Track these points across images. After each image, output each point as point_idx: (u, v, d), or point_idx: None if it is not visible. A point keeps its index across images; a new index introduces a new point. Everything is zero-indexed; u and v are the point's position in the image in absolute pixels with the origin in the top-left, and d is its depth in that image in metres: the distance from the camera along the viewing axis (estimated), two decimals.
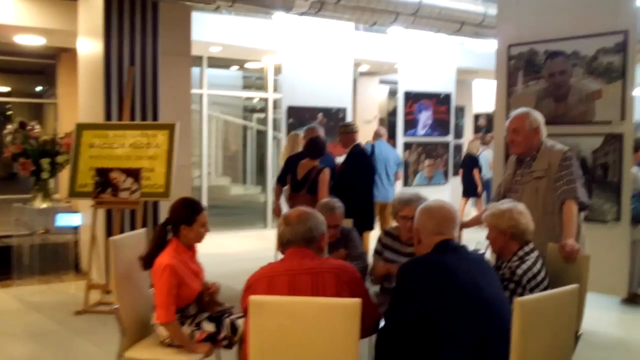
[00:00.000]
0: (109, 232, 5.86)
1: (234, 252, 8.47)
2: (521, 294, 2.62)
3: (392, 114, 16.37)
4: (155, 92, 6.04)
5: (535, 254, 2.84)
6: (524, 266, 2.72)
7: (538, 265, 2.79)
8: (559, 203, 3.38)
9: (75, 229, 6.96)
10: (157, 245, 3.19)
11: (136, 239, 3.44)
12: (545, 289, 2.75)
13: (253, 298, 2.00)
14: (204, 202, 9.94)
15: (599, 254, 4.75)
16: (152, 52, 6.07)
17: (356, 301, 1.98)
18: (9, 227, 6.93)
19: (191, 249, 3.32)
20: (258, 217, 10.74)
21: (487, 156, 10.83)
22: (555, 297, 2.06)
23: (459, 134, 12.59)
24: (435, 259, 2.35)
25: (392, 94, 16.30)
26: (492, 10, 7.36)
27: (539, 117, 3.64)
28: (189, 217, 3.21)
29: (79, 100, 7.19)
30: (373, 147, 7.55)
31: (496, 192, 3.91)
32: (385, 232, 3.67)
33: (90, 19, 6.54)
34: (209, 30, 8.79)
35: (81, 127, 5.76)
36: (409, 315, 2.22)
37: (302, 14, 6.80)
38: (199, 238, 3.27)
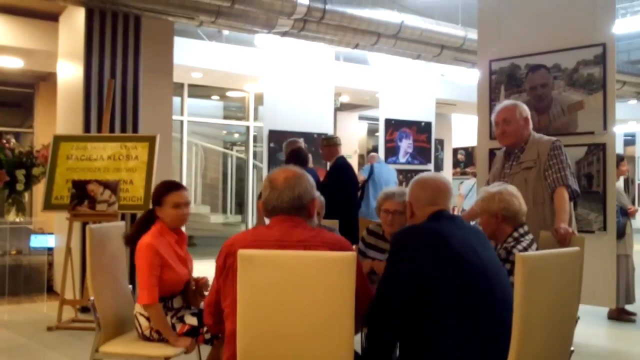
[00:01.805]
0: (85, 247, 5.67)
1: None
2: None
3: (372, 151, 16.50)
4: (136, 106, 5.95)
5: (530, 236, 2.78)
6: (520, 246, 2.66)
7: (534, 248, 2.72)
8: (550, 191, 3.35)
9: (50, 250, 6.75)
10: (141, 226, 3.08)
11: (114, 230, 3.30)
12: None
13: (242, 252, 1.89)
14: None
15: (587, 265, 4.70)
16: (134, 67, 6.01)
17: (351, 254, 1.88)
18: None
19: (178, 234, 3.21)
20: None
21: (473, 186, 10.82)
22: (557, 256, 1.98)
23: (438, 166, 12.66)
24: (430, 225, 2.27)
25: (372, 131, 16.45)
26: (472, 35, 7.51)
27: (526, 107, 3.65)
28: (158, 198, 3.13)
29: (57, 119, 7.08)
30: (372, 167, 7.53)
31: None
32: (369, 231, 3.59)
33: (71, 39, 6.50)
34: (190, 55, 8.81)
35: (59, 139, 5.64)
36: (405, 282, 2.12)
37: (284, 33, 6.84)
38: (174, 219, 3.12)
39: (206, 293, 3.24)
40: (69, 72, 6.66)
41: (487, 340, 2.04)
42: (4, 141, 6.01)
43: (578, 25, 5.07)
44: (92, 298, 2.98)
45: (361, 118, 15.37)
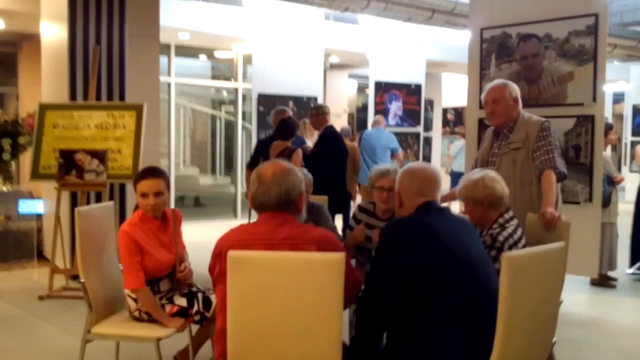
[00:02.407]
0: (74, 216, 5.67)
1: (203, 241, 8.29)
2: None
3: (362, 109, 16.40)
4: (122, 73, 5.85)
5: (515, 221, 2.81)
6: (505, 233, 2.69)
7: (519, 233, 2.76)
8: (538, 173, 3.37)
9: (39, 215, 6.74)
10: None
11: (103, 211, 3.31)
12: None
13: (231, 253, 1.90)
14: (172, 192, 9.75)
15: (571, 235, 4.79)
16: (119, 32, 5.88)
17: (340, 255, 1.90)
18: None
19: (163, 219, 3.21)
20: (227, 207, 10.59)
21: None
22: (543, 254, 2.01)
23: (428, 126, 12.65)
24: (419, 218, 2.28)
25: (361, 89, 16.32)
26: None
27: (516, 87, 3.63)
28: (134, 185, 3.14)
29: (42, 84, 6.95)
30: (361, 134, 7.57)
31: (472, 166, 3.88)
32: (360, 208, 3.61)
33: (54, 1, 6.33)
34: (177, 16, 8.63)
35: (44, 108, 5.56)
36: (393, 275, 2.15)
37: None
38: (143, 208, 3.11)
39: (198, 285, 3.29)
40: (52, 34, 6.50)
41: (472, 333, 2.08)
42: None
43: None
44: (82, 280, 3.01)
45: (351, 76, 15.24)
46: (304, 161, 5.37)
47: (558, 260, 2.06)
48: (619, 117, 20.22)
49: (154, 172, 3.16)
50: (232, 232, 2.30)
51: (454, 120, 14.63)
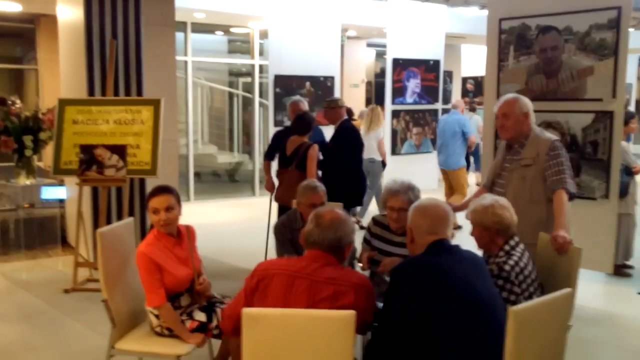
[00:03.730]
0: (95, 208, 5.81)
1: (222, 222, 8.46)
2: (510, 290, 2.62)
3: (379, 76, 16.25)
4: (139, 66, 5.88)
5: (521, 247, 2.83)
6: (511, 262, 2.71)
7: (525, 259, 2.78)
8: (549, 192, 3.37)
9: (61, 202, 6.89)
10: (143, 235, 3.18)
11: (124, 229, 3.40)
12: (533, 281, 2.76)
13: (247, 311, 1.98)
14: (191, 170, 9.88)
15: (587, 230, 4.81)
16: (135, 23, 5.88)
17: (350, 313, 1.96)
18: None
19: (180, 236, 3.30)
20: (246, 185, 10.70)
21: (477, 121, 10.76)
22: (549, 303, 2.05)
23: (447, 99, 12.52)
24: (429, 259, 2.33)
25: (379, 55, 16.15)
26: None
27: (528, 102, 3.60)
28: (146, 203, 3.23)
29: (61, 71, 7.02)
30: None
31: (487, 177, 3.90)
32: (375, 221, 3.65)
33: None
34: None
35: (64, 103, 5.63)
36: (402, 317, 2.21)
37: None
38: (156, 224, 3.21)
39: (216, 295, 3.39)
40: (69, 17, 6.50)
41: None
42: (10, 104, 5.99)
43: None
44: (105, 298, 3.12)
45: (369, 45, 15.07)
46: (325, 152, 5.41)
47: (564, 306, 2.10)
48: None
49: (164, 189, 3.25)
50: (278, 261, 2.49)
51: (474, 90, 14.46)
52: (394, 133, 10.04)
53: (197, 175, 10.19)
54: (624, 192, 5.62)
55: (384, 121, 8.35)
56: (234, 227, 8.20)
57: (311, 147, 5.17)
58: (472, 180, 11.97)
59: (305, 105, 5.80)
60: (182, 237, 3.34)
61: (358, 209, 7.69)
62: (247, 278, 2.48)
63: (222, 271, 5.97)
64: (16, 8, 8.28)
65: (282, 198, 5.25)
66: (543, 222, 3.38)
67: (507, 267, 2.67)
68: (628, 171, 5.69)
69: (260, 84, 10.44)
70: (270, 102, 9.08)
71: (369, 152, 7.95)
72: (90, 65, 5.72)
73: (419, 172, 9.39)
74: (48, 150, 6.62)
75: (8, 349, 4.16)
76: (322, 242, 2.41)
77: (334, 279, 2.32)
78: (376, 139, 8.01)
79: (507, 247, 2.80)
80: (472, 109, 11.40)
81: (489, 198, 2.92)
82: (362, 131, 8.25)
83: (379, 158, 8.02)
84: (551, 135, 3.56)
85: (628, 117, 5.68)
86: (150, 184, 5.45)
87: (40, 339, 4.32)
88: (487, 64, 5.53)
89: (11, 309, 4.93)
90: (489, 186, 3.75)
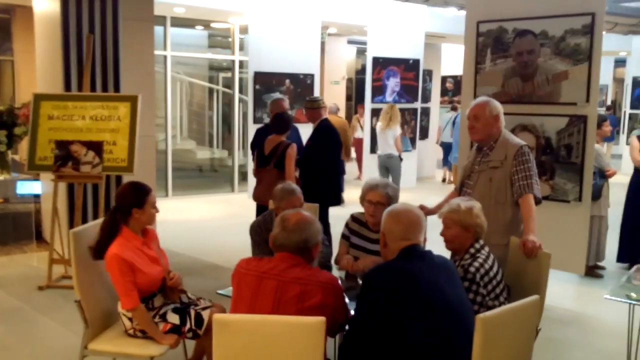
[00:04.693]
0: (71, 205, 5.75)
1: (200, 218, 8.44)
2: (476, 291, 2.68)
3: (360, 72, 16.28)
4: (116, 61, 5.82)
5: (486, 250, 2.88)
6: (476, 263, 2.76)
7: (490, 261, 2.83)
8: (516, 196, 3.43)
9: (37, 197, 6.82)
10: (107, 235, 3.14)
11: (98, 228, 3.37)
12: (499, 283, 2.81)
13: (217, 317, 2.00)
14: (169, 165, 9.82)
15: (560, 232, 4.90)
16: (113, 17, 5.81)
17: (320, 319, 1.99)
18: None
19: (146, 235, 3.28)
20: (225, 180, 10.67)
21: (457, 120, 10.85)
22: (517, 310, 2.10)
23: (426, 98, 12.61)
24: (400, 265, 2.36)
25: (360, 53, 16.18)
26: None
27: (498, 105, 3.65)
28: (139, 199, 3.19)
29: (37, 64, 6.92)
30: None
31: (458, 179, 3.96)
32: (353, 218, 3.68)
33: None
34: None
35: (39, 98, 5.56)
36: (372, 322, 2.24)
37: None
38: (151, 219, 3.24)
39: (190, 295, 3.39)
40: (45, 8, 6.41)
41: None
42: None
43: None
44: (78, 299, 3.10)
45: (350, 42, 15.09)
46: (300, 154, 5.42)
47: (531, 313, 2.14)
48: (619, 81, 20.11)
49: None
50: (250, 260, 2.56)
51: (453, 89, 14.56)
52: (373, 132, 10.08)
53: (175, 170, 10.14)
54: (597, 194, 5.72)
55: (400, 119, 8.72)
56: (211, 223, 8.18)
57: (290, 146, 5.18)
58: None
59: (286, 103, 5.81)
60: (148, 235, 3.33)
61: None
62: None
63: (198, 268, 5.96)
64: None
65: (260, 197, 5.26)
66: (507, 224, 3.44)
67: (472, 269, 2.72)
68: (602, 174, 5.79)
69: (240, 80, 10.41)
70: (249, 99, 9.07)
71: (387, 148, 8.61)
72: (67, 59, 5.65)
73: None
74: (24, 144, 6.53)
75: None
76: (289, 245, 2.48)
77: (301, 278, 2.38)
78: (393, 135, 8.50)
79: (472, 250, 2.85)
80: (454, 108, 11.51)
81: (466, 201, 2.96)
82: (378, 128, 8.53)
83: (396, 153, 8.56)
84: (520, 140, 3.61)
85: (600, 120, 5.77)
86: (127, 181, 5.43)
87: (13, 337, 4.28)
88: (465, 65, 5.59)
89: None
90: (459, 188, 3.80)
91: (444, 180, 11.92)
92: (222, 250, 6.59)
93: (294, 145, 5.20)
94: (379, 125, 8.76)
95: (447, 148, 11.28)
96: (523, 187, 3.39)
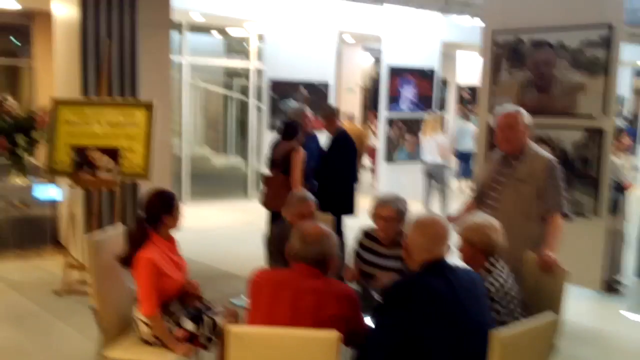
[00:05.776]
0: (88, 210, 5.80)
1: (214, 225, 8.47)
2: (490, 307, 2.66)
3: (376, 80, 16.27)
4: (133, 67, 5.87)
5: (501, 264, 2.86)
6: (490, 278, 2.75)
7: (504, 276, 2.81)
8: (544, 212, 3.39)
9: (54, 202, 6.88)
10: (137, 243, 3.18)
11: (114, 237, 3.41)
12: (514, 298, 2.79)
13: (233, 329, 2.01)
14: (184, 172, 9.88)
15: (576, 247, 4.84)
16: (130, 23, 5.86)
17: (334, 334, 1.99)
18: None
19: (170, 240, 3.33)
20: (239, 187, 10.70)
21: (470, 129, 10.75)
22: (533, 326, 2.08)
23: (441, 106, 12.57)
24: (423, 281, 2.34)
25: (376, 61, 16.17)
26: None
27: (528, 115, 3.62)
28: (168, 206, 3.28)
29: (55, 69, 7.00)
30: None
31: (476, 189, 3.89)
32: (364, 234, 3.67)
33: None
34: None
35: (57, 103, 5.62)
36: (392, 339, 2.24)
37: None
38: (178, 225, 3.34)
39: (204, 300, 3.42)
40: (64, 15, 6.48)
41: None
42: (1, 100, 5.97)
43: (586, 2, 4.93)
44: (94, 306, 3.13)
45: (366, 49, 15.10)
46: (317, 162, 5.45)
47: (548, 330, 2.13)
48: (638, 91, 19.91)
49: None
50: (266, 270, 2.65)
51: (470, 98, 14.52)
52: (388, 140, 10.07)
53: (190, 177, 10.18)
54: (615, 208, 5.66)
55: (444, 127, 8.84)
56: (225, 230, 8.21)
57: (295, 151, 5.21)
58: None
59: (308, 112, 5.83)
60: (173, 241, 3.39)
61: None
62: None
63: (212, 276, 5.98)
64: (14, 6, 8.24)
65: (268, 203, 5.32)
66: (535, 239, 3.39)
67: (486, 284, 2.71)
68: (619, 187, 5.74)
69: (257, 87, 10.45)
70: (265, 106, 9.11)
71: (430, 155, 8.46)
72: (85, 65, 5.71)
73: (411, 181, 9.44)
74: (41, 149, 6.60)
75: None
76: (306, 257, 2.51)
77: (317, 289, 2.42)
78: (437, 143, 8.41)
79: (487, 265, 2.83)
80: (466, 117, 11.46)
81: (481, 216, 2.95)
82: (422, 136, 8.47)
83: (440, 161, 8.48)
84: (548, 154, 3.57)
85: (618, 133, 5.73)
86: (143, 187, 5.48)
87: (30, 342, 4.33)
88: (481, 76, 5.57)
89: (0, 311, 4.93)
90: (479, 199, 3.75)
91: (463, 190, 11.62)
92: (236, 258, 6.61)
93: (300, 150, 5.24)
94: (423, 133, 8.73)
95: (465, 157, 11.14)
96: (553, 205, 3.36)
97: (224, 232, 8.14)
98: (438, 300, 2.25)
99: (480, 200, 3.71)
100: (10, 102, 6.14)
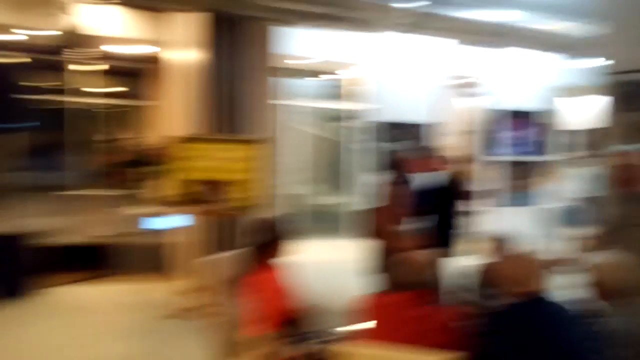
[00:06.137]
0: (202, 237, 6.07)
1: (314, 260, 8.51)
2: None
3: (484, 126, 15.96)
4: (245, 107, 6.26)
5: (634, 308, 2.71)
6: (615, 323, 2.62)
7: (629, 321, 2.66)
8: None
9: (166, 231, 7.22)
10: (247, 267, 3.34)
11: (226, 261, 3.59)
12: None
13: (342, 349, 2.08)
14: (284, 211, 10.07)
15: None
16: (243, 68, 6.28)
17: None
18: (99, 226, 7.29)
19: (278, 268, 3.46)
20: (336, 226, 10.75)
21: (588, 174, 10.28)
22: None
23: (550, 151, 12.12)
24: (520, 312, 2.39)
25: (485, 106, 15.89)
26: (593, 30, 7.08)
27: None
28: (281, 232, 3.52)
29: (172, 108, 7.48)
30: None
31: (602, 231, 3.77)
32: (474, 271, 3.64)
33: (188, 31, 6.82)
34: (283, 42, 8.84)
35: (175, 139, 6.01)
36: None
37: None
38: (289, 252, 3.52)
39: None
40: (183, 60, 6.99)
41: None
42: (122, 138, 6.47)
43: None
44: (209, 325, 3.25)
45: (474, 91, 14.88)
46: (421, 199, 5.48)
47: None
48: None
49: None
50: (379, 296, 2.79)
51: (580, 142, 13.90)
52: (497, 183, 9.85)
53: (295, 215, 10.34)
54: None
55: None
56: (327, 266, 8.25)
57: (397, 186, 5.27)
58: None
59: (414, 154, 5.92)
60: (280, 268, 3.54)
61: None
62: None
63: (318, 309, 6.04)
64: (144, 50, 8.86)
65: (374, 235, 5.38)
66: None
67: (604, 328, 2.59)
68: None
69: (357, 128, 10.55)
70: (369, 147, 9.20)
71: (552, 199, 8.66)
72: (202, 103, 6.11)
73: (518, 224, 9.12)
74: (157, 182, 7.03)
75: None
76: (410, 283, 2.61)
77: (423, 317, 2.49)
78: (558, 188, 8.68)
79: (613, 306, 2.70)
80: (585, 162, 10.97)
81: (612, 256, 2.87)
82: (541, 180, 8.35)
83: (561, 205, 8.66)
84: None
85: None
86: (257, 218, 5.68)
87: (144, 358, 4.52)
88: (601, 117, 5.43)
89: (112, 329, 5.21)
90: (608, 239, 3.62)
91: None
92: (333, 293, 6.63)
93: (403, 188, 5.28)
94: (543, 179, 8.61)
95: (585, 202, 10.61)
96: None
97: (326, 267, 8.19)
98: (534, 330, 2.30)
99: (610, 240, 3.59)
100: (131, 139, 6.67)
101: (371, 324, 2.53)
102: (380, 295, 2.71)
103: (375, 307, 2.59)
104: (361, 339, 2.52)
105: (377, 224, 5.39)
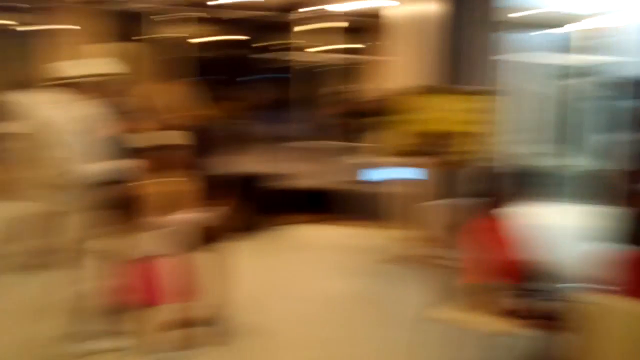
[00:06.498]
0: (429, 187, 6.08)
1: (548, 225, 8.06)
2: None
3: None
4: (471, 62, 6.12)
5: None
6: None
7: None
8: None
9: (388, 181, 7.34)
10: (468, 215, 3.30)
11: (448, 208, 3.59)
12: None
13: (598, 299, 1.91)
14: (508, 168, 9.62)
15: None
16: (467, 19, 6.13)
17: None
18: (326, 174, 7.66)
19: (504, 219, 3.36)
20: (562, 189, 10.02)
21: None
22: None
23: None
24: None
25: None
26: None
27: None
28: (503, 187, 3.47)
29: (395, 62, 7.52)
30: None
31: None
32: None
33: None
34: None
35: (404, 91, 6.05)
36: None
37: None
38: (509, 206, 3.39)
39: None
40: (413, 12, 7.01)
41: None
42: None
43: None
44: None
45: None
46: None
47: None
48: None
49: None
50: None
51: None
52: None
53: (520, 173, 9.87)
54: None
55: None
56: (561, 232, 7.78)
57: None
58: None
59: None
60: (506, 219, 3.45)
61: None
62: None
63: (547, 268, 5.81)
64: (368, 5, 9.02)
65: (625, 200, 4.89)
66: None
67: None
68: None
69: (591, 85, 9.62)
70: (606, 105, 8.34)
71: None
72: (433, 55, 6.06)
73: None
74: (381, 133, 7.18)
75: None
76: None
77: None
78: None
79: None
80: None
81: None
82: None
83: None
84: None
85: None
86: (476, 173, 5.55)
87: (377, 294, 4.84)
88: None
89: (337, 268, 5.54)
90: None
91: None
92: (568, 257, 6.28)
93: None
94: None
95: None
96: None
97: (559, 232, 7.73)
98: None
99: None
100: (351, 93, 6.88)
101: (620, 284, 2.29)
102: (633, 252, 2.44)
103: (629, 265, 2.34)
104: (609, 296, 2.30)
105: (628, 188, 4.91)
